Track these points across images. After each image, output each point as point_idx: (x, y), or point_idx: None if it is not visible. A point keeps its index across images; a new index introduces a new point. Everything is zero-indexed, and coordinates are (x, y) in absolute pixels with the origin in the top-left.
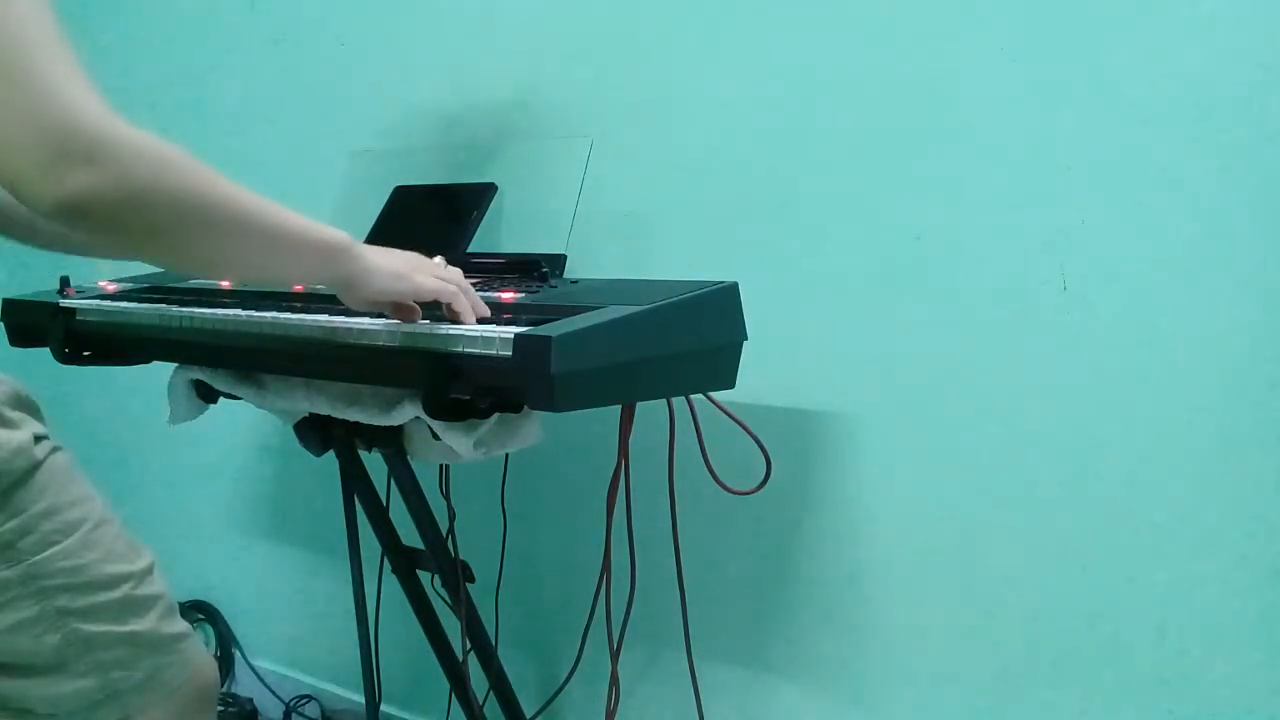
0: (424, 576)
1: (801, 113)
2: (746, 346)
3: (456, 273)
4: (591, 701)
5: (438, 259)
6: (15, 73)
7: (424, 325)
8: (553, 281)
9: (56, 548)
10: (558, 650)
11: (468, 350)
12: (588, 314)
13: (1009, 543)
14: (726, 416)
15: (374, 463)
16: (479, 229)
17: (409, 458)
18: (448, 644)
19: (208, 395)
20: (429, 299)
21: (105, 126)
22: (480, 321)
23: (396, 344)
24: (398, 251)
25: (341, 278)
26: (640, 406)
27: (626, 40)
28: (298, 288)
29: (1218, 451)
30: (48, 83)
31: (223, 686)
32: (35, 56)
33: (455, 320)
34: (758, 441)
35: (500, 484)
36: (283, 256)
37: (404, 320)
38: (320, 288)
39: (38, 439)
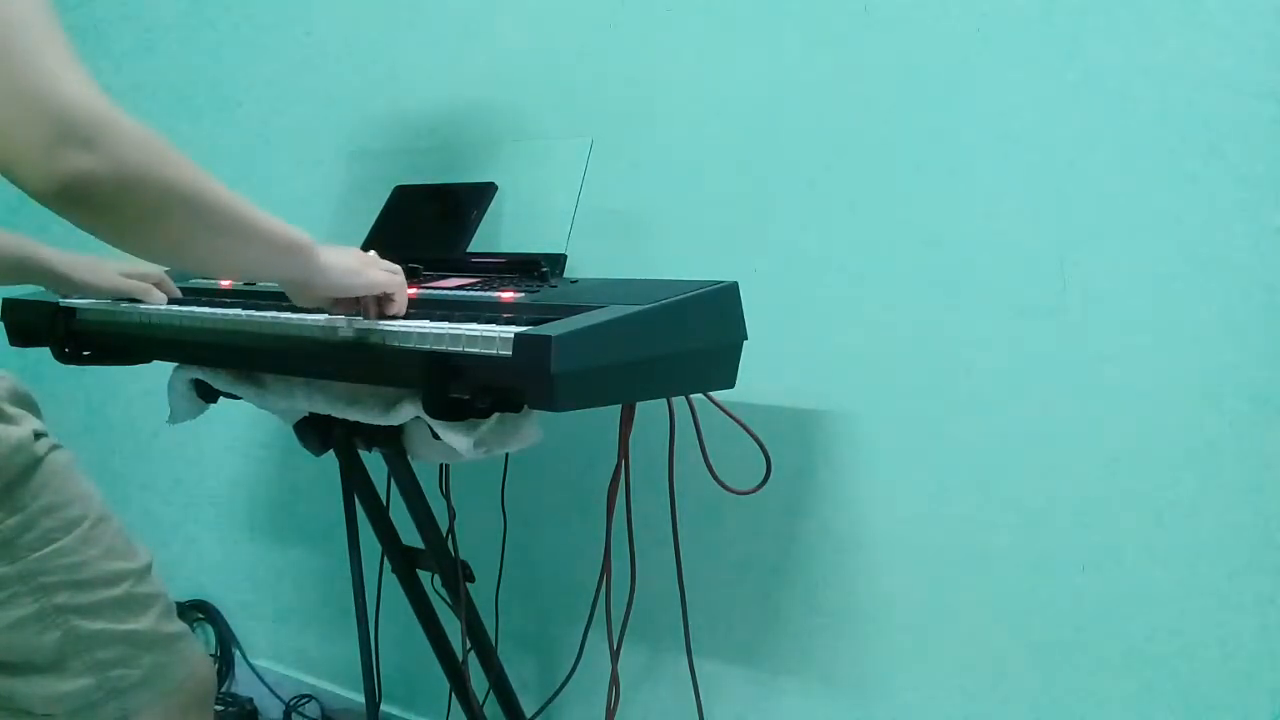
0: (424, 576)
1: (802, 112)
2: (746, 346)
3: (395, 266)
4: (591, 701)
5: (371, 253)
6: (15, 58)
7: (424, 325)
8: (553, 281)
9: (56, 544)
10: (558, 650)
11: (468, 350)
12: (588, 314)
13: (1008, 542)
14: (726, 416)
15: (374, 462)
16: (479, 229)
17: (409, 457)
18: (448, 644)
19: (208, 395)
20: (380, 292)
21: (104, 112)
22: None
23: (396, 344)
24: (344, 248)
25: (302, 276)
26: (640, 406)
27: (627, 40)
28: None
29: (1218, 452)
30: (48, 69)
31: (223, 686)
32: (35, 43)
33: (388, 313)
34: (758, 441)
35: (500, 484)
36: (256, 252)
37: (345, 314)
38: None
39: (37, 435)
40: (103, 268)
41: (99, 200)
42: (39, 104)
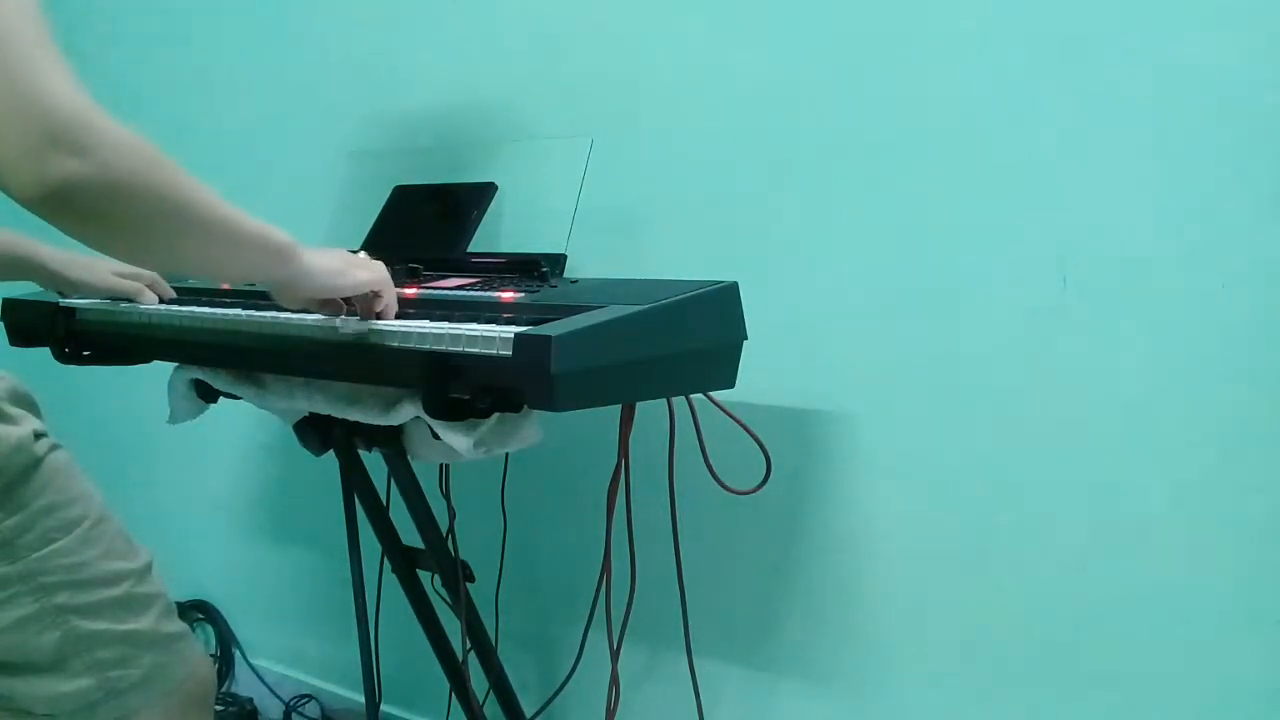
0: (424, 576)
1: (801, 112)
2: (746, 346)
3: (380, 265)
4: (591, 701)
5: (361, 254)
6: (5, 63)
7: (424, 325)
8: (553, 281)
9: (56, 544)
10: (558, 650)
11: (468, 350)
12: (588, 314)
13: (1008, 542)
14: (726, 416)
15: (374, 462)
16: (479, 229)
17: (409, 457)
18: (448, 644)
19: (208, 395)
20: (365, 291)
21: (92, 118)
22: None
23: (396, 344)
24: (329, 249)
25: (286, 278)
26: (640, 406)
27: (627, 39)
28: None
29: (1219, 450)
30: (37, 74)
31: (223, 686)
32: (24, 48)
33: (376, 310)
34: (758, 441)
35: (500, 484)
36: (241, 256)
37: (330, 314)
38: None
39: (37, 435)
40: (96, 266)
41: (86, 206)
42: (28, 108)
